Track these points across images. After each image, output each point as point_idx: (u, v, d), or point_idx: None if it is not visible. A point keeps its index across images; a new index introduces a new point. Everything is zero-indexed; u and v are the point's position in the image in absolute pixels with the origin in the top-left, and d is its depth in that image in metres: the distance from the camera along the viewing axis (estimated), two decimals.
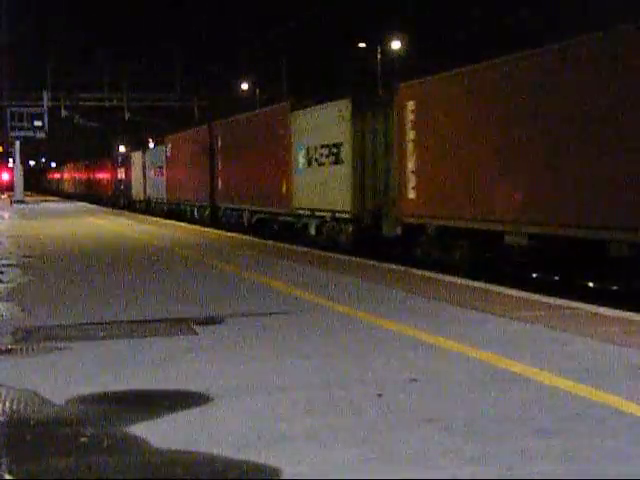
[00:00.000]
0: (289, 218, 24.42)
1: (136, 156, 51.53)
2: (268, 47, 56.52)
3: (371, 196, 19.65)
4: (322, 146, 21.89)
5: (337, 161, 20.90)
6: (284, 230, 25.12)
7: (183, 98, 61.96)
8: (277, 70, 60.83)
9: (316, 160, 22.31)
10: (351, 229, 20.23)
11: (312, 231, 22.58)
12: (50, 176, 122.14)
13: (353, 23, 53.42)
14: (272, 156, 25.88)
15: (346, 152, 20.33)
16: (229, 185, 30.94)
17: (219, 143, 32.46)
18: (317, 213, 22.25)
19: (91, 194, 71.84)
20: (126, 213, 43.47)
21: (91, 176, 74.65)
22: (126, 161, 55.16)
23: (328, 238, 21.42)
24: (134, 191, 51.61)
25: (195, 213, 35.99)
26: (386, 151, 19.15)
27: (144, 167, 48.06)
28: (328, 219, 21.45)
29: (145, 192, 47.98)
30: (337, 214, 20.91)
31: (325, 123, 21.78)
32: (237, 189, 29.83)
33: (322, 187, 21.76)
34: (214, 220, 32.47)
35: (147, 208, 46.68)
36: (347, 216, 20.28)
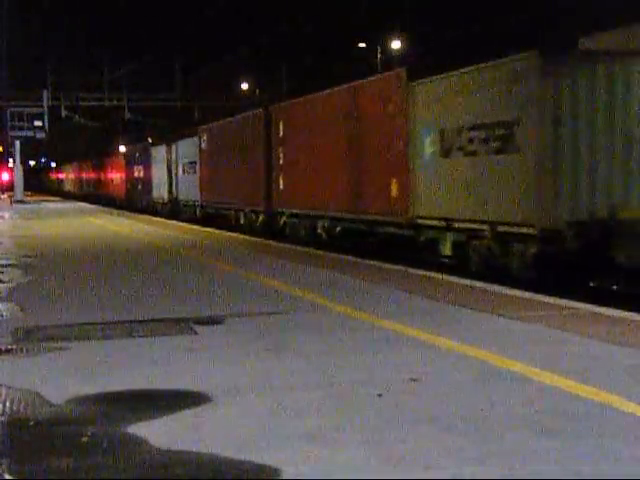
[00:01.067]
0: (404, 230, 17.63)
1: (158, 151, 43.80)
2: (268, 47, 56.55)
3: (574, 201, 13.42)
4: (474, 127, 15.10)
5: (505, 148, 14.29)
6: (389, 246, 18.87)
7: (183, 98, 62.00)
8: (277, 70, 60.87)
9: (460, 148, 15.57)
10: (534, 251, 13.67)
11: (446, 250, 16.14)
12: (53, 176, 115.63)
13: (353, 23, 53.46)
14: (373, 144, 19.05)
15: (525, 134, 13.77)
16: (297, 184, 23.67)
17: (281, 131, 25.16)
18: (458, 225, 15.52)
19: (100, 195, 65.11)
20: (126, 213, 42.23)
21: (100, 175, 67.05)
22: (144, 157, 47.47)
23: (480, 261, 15.07)
24: (155, 192, 44.22)
25: (242, 219, 28.99)
26: (607, 127, 13.41)
27: (169, 163, 40.74)
28: (487, 234, 14.69)
29: (170, 193, 40.61)
30: (502, 228, 14.32)
31: (481, 92, 15.00)
32: (310, 190, 22.57)
33: (472, 187, 15.11)
34: (270, 229, 25.83)
35: (173, 212, 39.39)
36: (528, 231, 13.67)
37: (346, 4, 51.94)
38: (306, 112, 23.55)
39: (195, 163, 35.15)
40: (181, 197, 38.43)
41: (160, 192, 42.97)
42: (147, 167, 46.47)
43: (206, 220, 32.97)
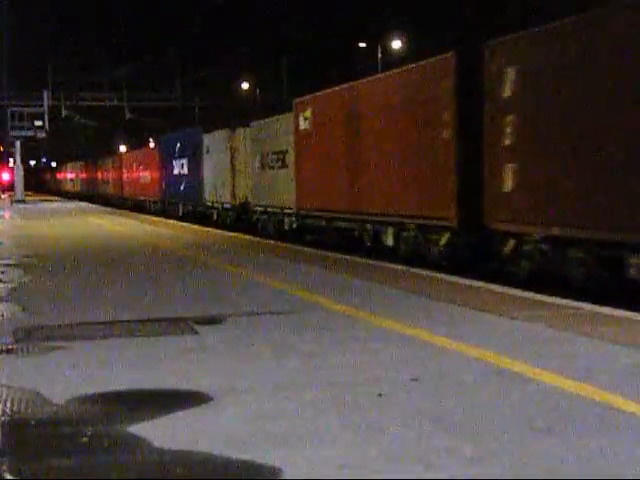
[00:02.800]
0: None
1: (215, 139, 33.11)
2: (268, 47, 56.61)
3: None
4: None
5: None
6: None
7: (183, 98, 62.06)
8: (277, 70, 60.95)
9: None
10: None
11: None
12: (59, 175, 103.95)
13: (353, 23, 53.51)
14: None
15: None
16: (565, 179, 12.69)
17: (507, 88, 13.97)
18: None
19: (122, 198, 55.17)
20: (124, 212, 41.52)
21: (123, 174, 56.16)
22: (191, 148, 36.88)
23: None
24: (209, 194, 33.66)
25: (388, 238, 18.03)
26: None
27: (234, 155, 30.31)
28: None
29: (235, 195, 30.08)
30: None
31: None
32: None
33: None
34: (467, 256, 15.46)
35: (240, 221, 29.45)
36: None
37: (346, 4, 52.04)
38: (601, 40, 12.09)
39: (285, 152, 24.87)
40: (257, 201, 27.68)
41: (217, 194, 32.31)
42: (195, 161, 35.86)
43: (302, 235, 23.40)
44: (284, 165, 25.01)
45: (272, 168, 26.11)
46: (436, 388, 6.18)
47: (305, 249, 18.96)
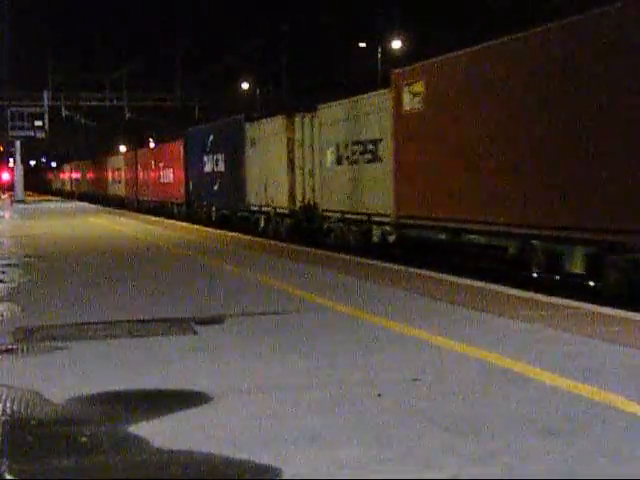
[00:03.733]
0: None
1: (264, 128, 27.56)
2: (268, 47, 56.63)
3: None
4: None
5: None
6: None
7: (183, 98, 62.07)
8: (277, 70, 60.99)
9: None
10: None
11: None
12: (62, 175, 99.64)
13: (353, 23, 53.52)
14: None
15: None
16: None
17: None
18: None
19: (136, 199, 50.16)
20: (133, 214, 41.44)
21: (138, 173, 50.14)
22: (230, 141, 31.03)
23: None
24: (255, 195, 28.05)
25: (573, 263, 12.68)
26: None
27: (292, 147, 24.66)
28: None
29: (293, 197, 24.65)
30: None
31: None
32: None
33: None
34: None
35: (301, 231, 24.05)
36: None
37: (346, 4, 52.05)
38: None
39: (377, 141, 19.59)
40: (328, 205, 22.57)
41: (268, 196, 26.82)
42: (235, 156, 30.33)
43: (403, 251, 18.48)
44: (375, 158, 19.64)
45: (354, 162, 20.72)
46: (437, 388, 6.18)
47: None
